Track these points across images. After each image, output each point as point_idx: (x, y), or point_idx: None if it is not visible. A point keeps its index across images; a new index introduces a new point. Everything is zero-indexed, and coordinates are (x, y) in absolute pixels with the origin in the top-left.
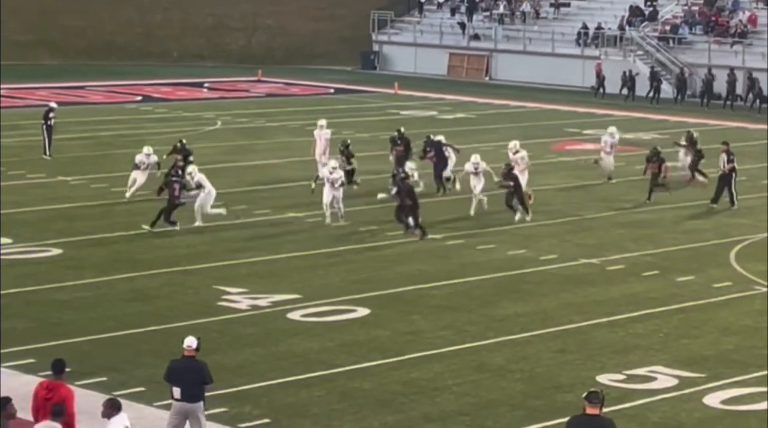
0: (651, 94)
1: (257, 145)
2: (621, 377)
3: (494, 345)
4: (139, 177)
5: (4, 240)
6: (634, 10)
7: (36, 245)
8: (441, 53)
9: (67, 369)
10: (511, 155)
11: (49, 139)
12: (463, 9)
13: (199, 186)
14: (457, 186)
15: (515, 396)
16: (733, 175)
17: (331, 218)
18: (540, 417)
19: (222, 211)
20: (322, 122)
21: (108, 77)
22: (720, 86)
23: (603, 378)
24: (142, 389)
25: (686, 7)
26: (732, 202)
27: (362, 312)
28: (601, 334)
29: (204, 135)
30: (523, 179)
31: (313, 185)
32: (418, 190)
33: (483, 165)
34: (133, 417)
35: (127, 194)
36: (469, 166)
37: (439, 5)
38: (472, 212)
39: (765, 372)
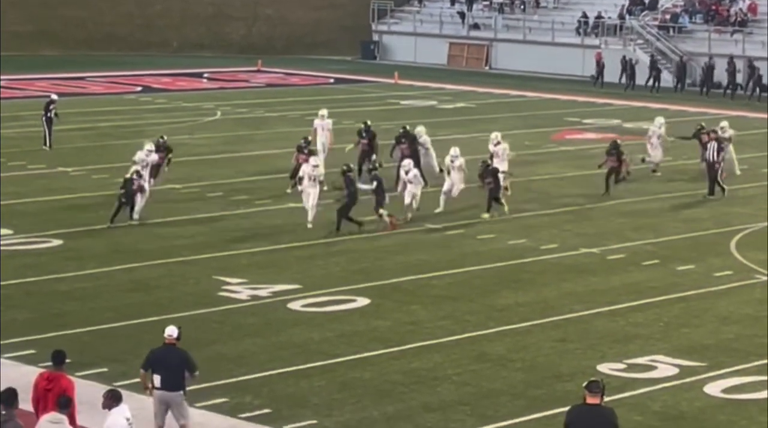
0: (651, 83)
1: (257, 135)
2: (621, 366)
3: (495, 335)
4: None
5: (5, 231)
6: None
7: (36, 236)
8: (441, 43)
9: (68, 360)
10: (491, 147)
11: (50, 131)
12: None
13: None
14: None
15: (516, 386)
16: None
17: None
18: (540, 407)
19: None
20: (324, 112)
21: (108, 68)
22: (720, 75)
23: (603, 368)
24: None
25: None
26: (711, 192)
27: (362, 302)
28: (602, 323)
29: (204, 125)
30: (503, 167)
31: (290, 190)
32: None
33: (461, 160)
34: (133, 408)
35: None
36: (447, 159)
37: None
38: (441, 208)
39: (765, 361)
